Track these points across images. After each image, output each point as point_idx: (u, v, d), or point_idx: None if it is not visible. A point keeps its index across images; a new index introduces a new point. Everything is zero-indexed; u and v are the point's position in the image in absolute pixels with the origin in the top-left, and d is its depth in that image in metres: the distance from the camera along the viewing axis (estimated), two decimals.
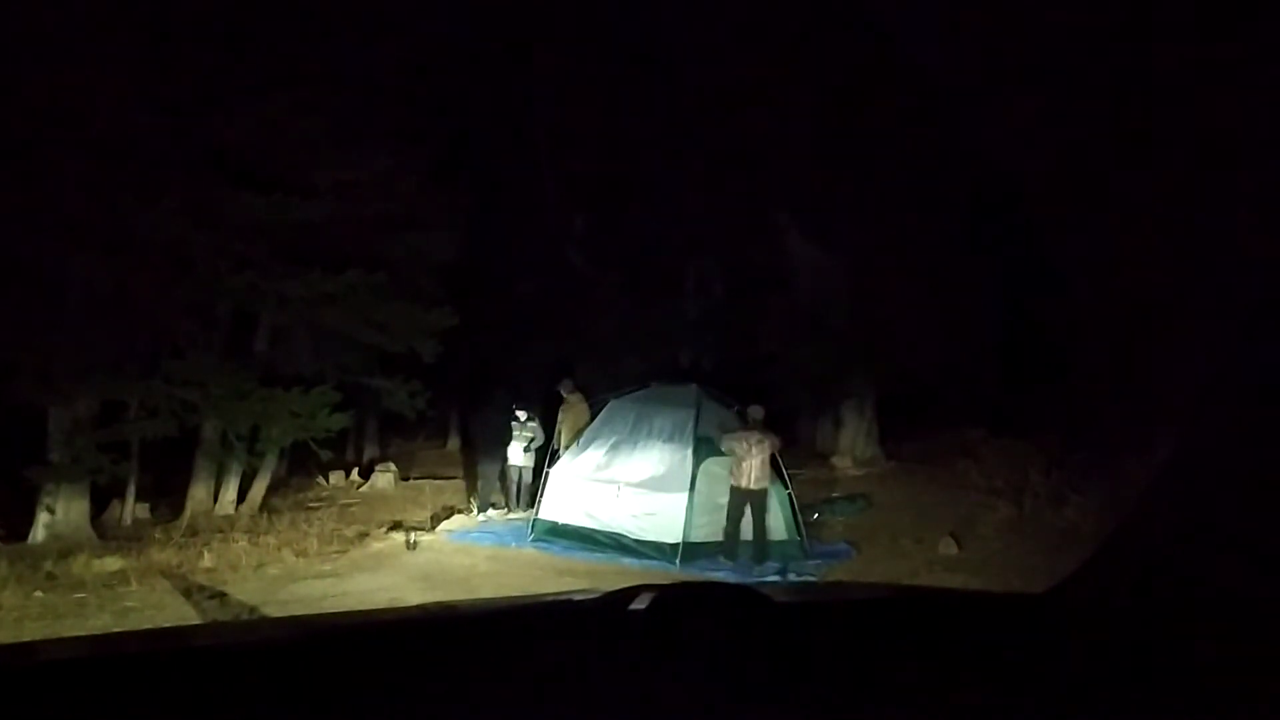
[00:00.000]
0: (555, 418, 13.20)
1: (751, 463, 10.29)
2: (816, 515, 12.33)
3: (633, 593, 1.75)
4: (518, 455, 13.02)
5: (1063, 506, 10.82)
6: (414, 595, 8.49)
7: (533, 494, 12.18)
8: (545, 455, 12.42)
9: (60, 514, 12.08)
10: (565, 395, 13.33)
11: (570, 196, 19.72)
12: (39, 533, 11.95)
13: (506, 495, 13.35)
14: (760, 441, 10.35)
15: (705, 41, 15.02)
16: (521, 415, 13.08)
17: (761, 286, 17.82)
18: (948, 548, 10.43)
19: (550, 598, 3.05)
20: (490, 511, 12.85)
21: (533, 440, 12.98)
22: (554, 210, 19.84)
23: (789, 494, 11.03)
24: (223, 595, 8.66)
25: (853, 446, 16.57)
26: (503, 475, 13.43)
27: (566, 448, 12.21)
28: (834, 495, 13.74)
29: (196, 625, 6.78)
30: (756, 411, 10.66)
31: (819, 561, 10.54)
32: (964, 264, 14.22)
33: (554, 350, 18.53)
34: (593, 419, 12.11)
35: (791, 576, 9.75)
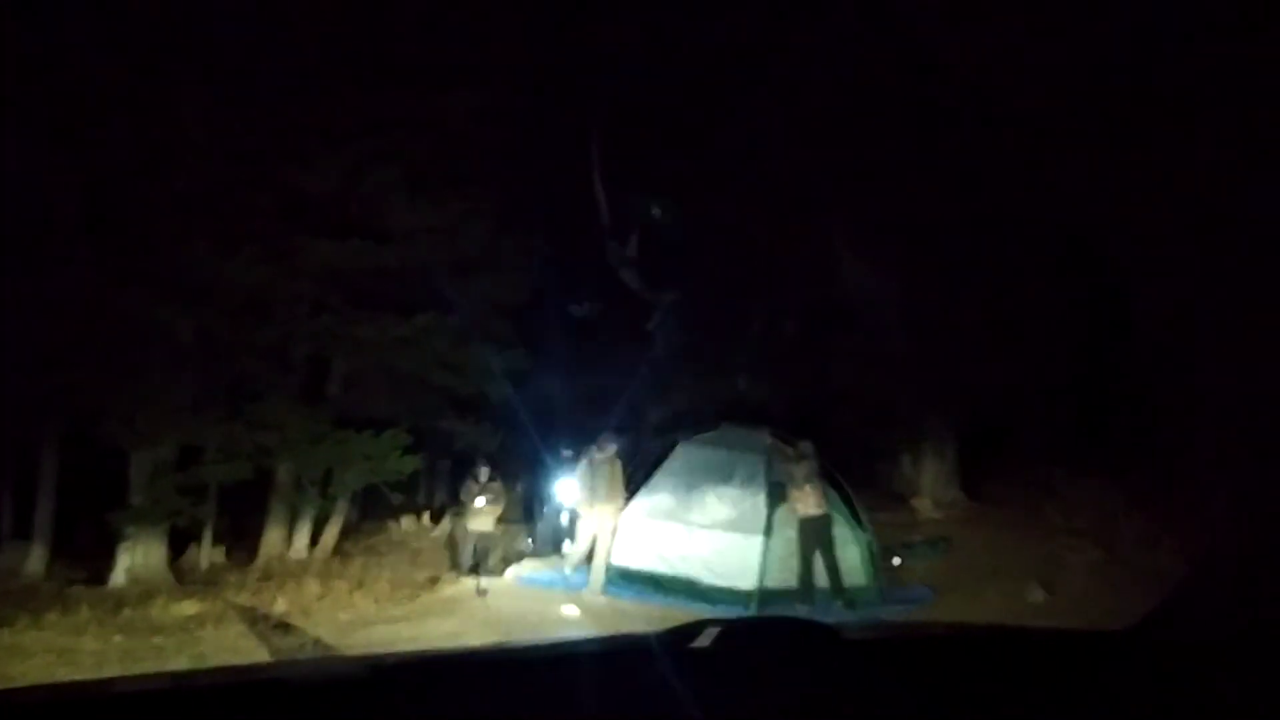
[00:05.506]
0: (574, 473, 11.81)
1: (808, 488, 10.42)
2: (897, 560, 12.01)
3: (696, 629, 1.71)
4: (480, 519, 11.94)
5: (1155, 549, 10.33)
6: (484, 641, 8.39)
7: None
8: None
9: (139, 558, 12.32)
10: (598, 452, 11.06)
11: (634, 232, 19.76)
12: (119, 576, 12.20)
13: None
14: (814, 470, 10.54)
15: (770, 71, 15.00)
16: (483, 474, 12.05)
17: (833, 324, 17.58)
18: (1034, 594, 9.98)
19: (613, 635, 3.04)
20: (561, 556, 12.72)
21: (494, 500, 12.05)
22: (616, 243, 19.86)
23: (868, 539, 10.81)
24: (296, 639, 8.68)
25: (933, 488, 16.15)
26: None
27: (588, 508, 11.03)
28: (914, 539, 13.36)
29: (263, 663, 6.79)
30: (807, 448, 10.81)
31: (899, 607, 10.24)
32: (1040, 298, 13.88)
33: (618, 387, 18.41)
34: (629, 472, 11.28)
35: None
